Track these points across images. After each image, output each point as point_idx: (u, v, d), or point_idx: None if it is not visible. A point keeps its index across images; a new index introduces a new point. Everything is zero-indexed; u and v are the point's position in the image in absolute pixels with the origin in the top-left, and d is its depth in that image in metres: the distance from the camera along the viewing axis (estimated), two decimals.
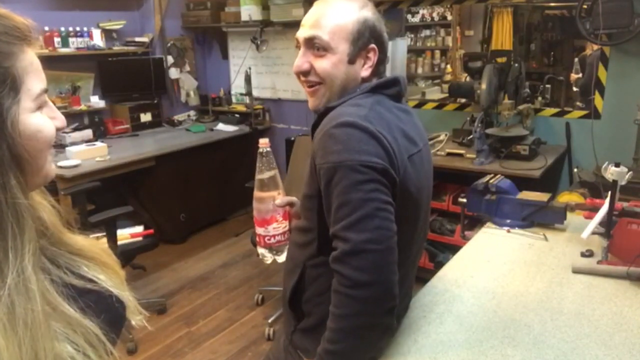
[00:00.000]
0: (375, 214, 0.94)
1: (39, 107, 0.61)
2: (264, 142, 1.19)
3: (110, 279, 0.70)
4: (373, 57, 1.10)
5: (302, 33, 1.09)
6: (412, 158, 1.05)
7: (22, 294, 0.55)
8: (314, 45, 1.07)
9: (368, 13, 1.09)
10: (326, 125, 1.01)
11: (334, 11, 1.07)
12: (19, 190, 0.57)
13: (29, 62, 0.60)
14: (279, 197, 1.20)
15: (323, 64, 1.07)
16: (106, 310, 0.66)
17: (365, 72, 1.10)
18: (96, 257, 0.71)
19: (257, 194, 1.21)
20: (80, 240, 0.71)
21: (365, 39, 1.08)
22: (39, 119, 0.61)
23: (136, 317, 0.75)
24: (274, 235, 1.21)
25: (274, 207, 1.20)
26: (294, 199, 1.24)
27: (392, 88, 1.11)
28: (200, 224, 4.11)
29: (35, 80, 0.61)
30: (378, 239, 0.93)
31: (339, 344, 0.97)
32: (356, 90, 1.09)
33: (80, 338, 0.60)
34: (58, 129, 0.64)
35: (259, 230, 1.21)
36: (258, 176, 1.20)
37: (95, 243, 0.74)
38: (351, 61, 1.08)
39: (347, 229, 0.93)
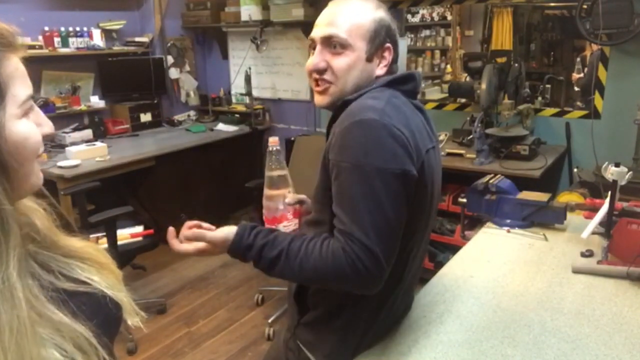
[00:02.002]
0: (389, 222, 0.96)
1: (25, 114, 0.60)
2: (273, 141, 1.21)
3: (106, 279, 0.70)
4: (388, 57, 1.11)
5: (318, 32, 1.09)
6: (428, 152, 1.06)
7: (8, 300, 0.55)
8: (331, 43, 1.07)
9: (383, 13, 1.10)
10: (345, 121, 1.01)
11: (350, 10, 1.08)
12: (4, 196, 0.56)
13: (14, 68, 0.60)
14: (289, 195, 1.21)
15: (341, 62, 1.07)
16: (99, 313, 0.66)
17: (380, 70, 1.11)
18: (92, 257, 0.71)
19: (267, 192, 1.22)
20: (75, 242, 0.71)
21: (381, 38, 1.09)
22: (25, 126, 0.60)
23: (133, 318, 0.74)
24: None
25: (284, 205, 1.20)
26: (303, 196, 1.25)
27: (408, 84, 1.12)
28: None
29: (20, 86, 0.60)
30: (389, 249, 0.97)
31: (292, 270, 1.02)
32: (372, 84, 1.10)
33: (69, 344, 0.59)
34: (46, 135, 0.64)
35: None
36: (268, 174, 1.21)
37: (90, 244, 0.73)
38: (369, 59, 1.09)
39: (365, 235, 0.94)
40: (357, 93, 1.08)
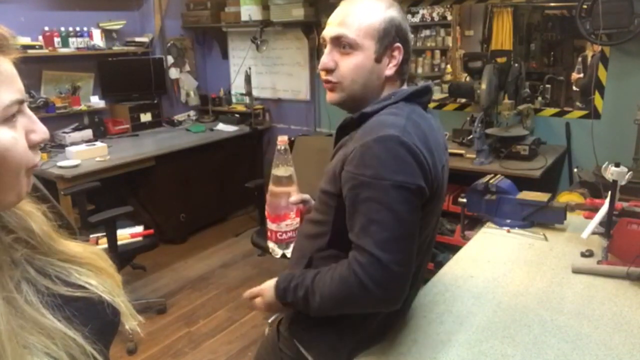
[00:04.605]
0: (404, 237, 0.98)
1: (8, 120, 0.56)
2: (282, 140, 1.22)
3: (104, 283, 0.69)
4: (398, 56, 1.11)
5: (329, 31, 1.11)
6: (444, 168, 1.09)
7: None
8: (340, 43, 1.09)
9: (394, 12, 1.10)
10: (365, 137, 1.02)
11: (361, 10, 1.08)
12: None
13: None
14: (294, 194, 1.22)
15: (349, 63, 1.08)
16: (95, 318, 0.65)
17: (390, 71, 1.11)
18: (90, 262, 0.69)
19: (272, 189, 1.23)
20: (73, 247, 0.69)
21: (391, 38, 1.09)
22: (4, 134, 0.55)
23: (131, 322, 0.72)
24: (285, 232, 1.23)
25: (287, 203, 1.22)
26: (307, 196, 1.26)
27: (425, 97, 1.14)
28: (200, 224, 4.10)
29: (4, 90, 0.56)
30: (404, 261, 0.98)
31: (317, 305, 1.04)
32: (391, 97, 1.10)
33: (61, 351, 0.58)
34: (36, 143, 0.60)
35: (272, 225, 1.24)
36: (274, 172, 1.22)
37: (89, 248, 0.72)
38: (377, 59, 1.09)
39: (376, 247, 0.96)
40: (375, 106, 1.09)
